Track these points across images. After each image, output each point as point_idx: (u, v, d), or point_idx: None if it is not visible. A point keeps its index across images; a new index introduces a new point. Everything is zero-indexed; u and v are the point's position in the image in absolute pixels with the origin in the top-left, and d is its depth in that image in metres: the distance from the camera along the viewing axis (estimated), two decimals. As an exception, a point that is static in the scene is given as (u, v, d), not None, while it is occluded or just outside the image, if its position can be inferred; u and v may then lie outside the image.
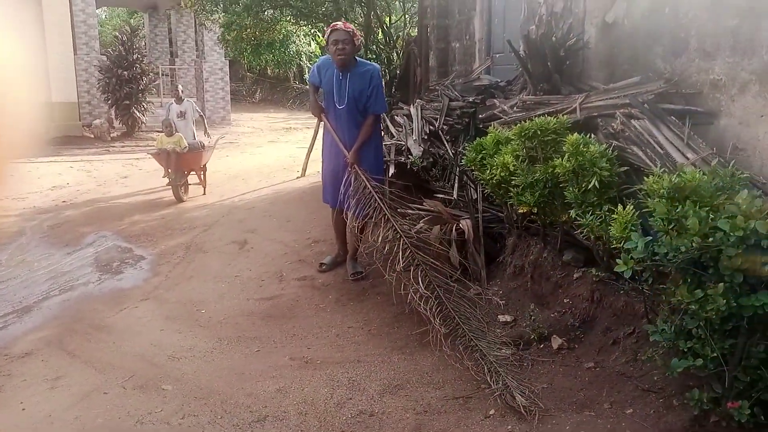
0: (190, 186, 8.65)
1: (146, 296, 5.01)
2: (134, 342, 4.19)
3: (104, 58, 14.97)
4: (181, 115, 9.12)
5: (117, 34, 15.25)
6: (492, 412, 3.20)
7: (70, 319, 4.59)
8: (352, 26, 4.91)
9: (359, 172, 4.82)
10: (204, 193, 8.67)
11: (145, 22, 21.27)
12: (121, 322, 4.52)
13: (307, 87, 21.93)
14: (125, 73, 14.18)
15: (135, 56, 14.45)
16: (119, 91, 14.28)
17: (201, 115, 9.52)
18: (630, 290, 3.68)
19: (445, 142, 5.86)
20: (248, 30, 9.87)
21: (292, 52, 23.85)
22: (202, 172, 8.75)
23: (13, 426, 3.21)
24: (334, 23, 4.93)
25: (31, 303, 4.88)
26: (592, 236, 3.61)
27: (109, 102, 14.63)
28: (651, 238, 2.85)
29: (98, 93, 14.96)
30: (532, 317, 4.06)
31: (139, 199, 8.53)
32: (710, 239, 2.57)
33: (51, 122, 13.96)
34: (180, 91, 9.63)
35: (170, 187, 8.24)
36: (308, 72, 25.51)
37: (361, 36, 5.00)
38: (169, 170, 8.15)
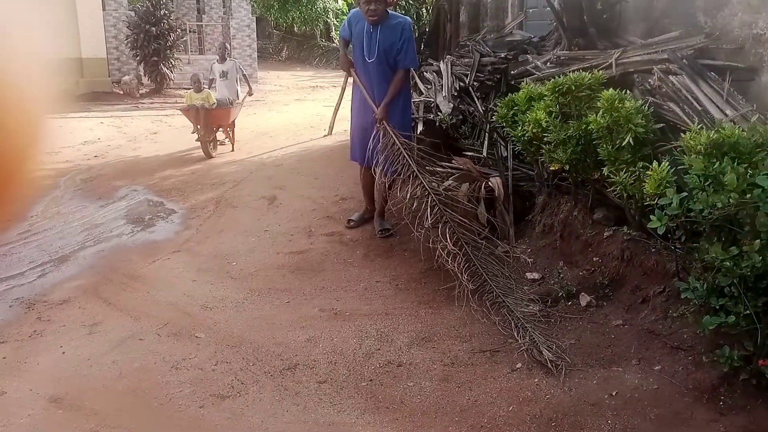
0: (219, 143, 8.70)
1: (178, 248, 5.10)
2: (167, 292, 4.29)
3: (132, 13, 14.96)
4: (224, 75, 8.84)
5: (144, -11, 15.20)
6: (519, 365, 3.23)
7: (105, 268, 4.71)
8: None
9: (388, 128, 4.79)
10: (232, 150, 8.72)
11: (172, -22, 21.13)
12: (155, 273, 4.63)
13: (334, 45, 21.62)
14: (153, 29, 14.16)
15: (162, 12, 14.41)
16: (147, 47, 14.28)
17: (244, 75, 9.27)
18: (661, 249, 3.65)
19: (476, 99, 5.78)
20: (276, -16, 9.72)
21: (319, 9, 23.62)
22: (230, 129, 8.77)
23: (55, 368, 3.34)
24: None
25: (67, 253, 5.00)
26: (625, 194, 3.57)
27: (138, 58, 14.66)
28: (686, 194, 2.81)
29: (127, 49, 14.99)
30: (561, 275, 4.07)
31: (169, 154, 8.61)
32: (748, 196, 2.53)
33: (80, 78, 14.08)
34: (226, 50, 9.09)
35: (199, 143, 8.30)
36: (335, 29, 25.32)
37: None
38: (198, 126, 8.19)
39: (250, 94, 9.26)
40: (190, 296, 4.22)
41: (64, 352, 3.50)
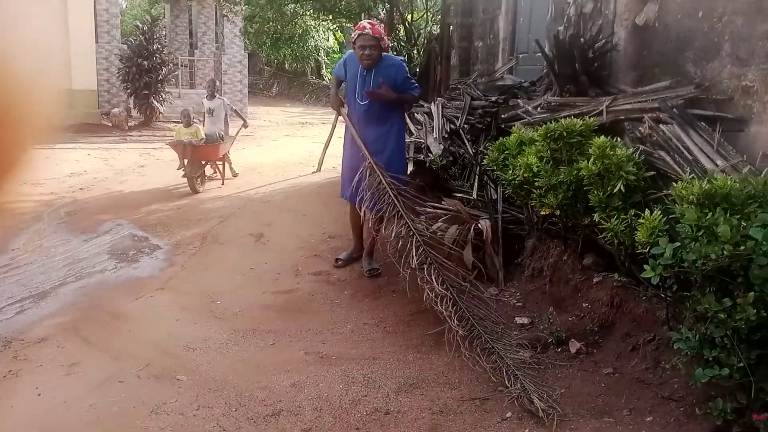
0: (209, 177, 8.67)
1: (162, 286, 5.01)
2: (150, 331, 4.18)
3: (125, 47, 15.03)
4: (210, 112, 8.83)
5: (138, 23, 15.31)
6: (509, 414, 3.16)
7: (87, 306, 4.60)
8: (380, 28, 4.81)
9: (375, 166, 4.76)
10: (222, 184, 8.69)
11: (166, 13, 21.35)
12: (137, 311, 4.52)
13: (324, 82, 21.73)
14: (145, 62, 14.22)
15: (155, 46, 14.49)
16: (139, 80, 14.32)
17: (234, 110, 9.29)
18: (651, 296, 3.63)
19: (466, 142, 5.81)
20: (270, 23, 9.86)
21: (310, 47, 23.94)
22: (221, 164, 8.74)
23: (30, 412, 3.22)
24: (361, 25, 4.82)
25: (48, 289, 4.89)
26: (616, 241, 3.56)
27: (128, 91, 14.68)
28: (678, 244, 2.80)
29: (118, 82, 15.02)
30: (550, 320, 4.02)
31: (156, 188, 8.54)
32: (741, 248, 2.52)
33: (70, 109, 14.03)
34: (215, 88, 9.13)
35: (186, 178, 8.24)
36: (326, 67, 25.62)
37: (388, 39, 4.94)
38: (185, 162, 8.14)
39: (245, 126, 9.31)
40: (172, 336, 4.11)
41: (39, 394, 3.37)
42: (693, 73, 4.04)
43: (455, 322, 3.79)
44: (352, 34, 4.96)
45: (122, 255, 5.77)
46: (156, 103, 14.81)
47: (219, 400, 3.34)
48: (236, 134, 9.21)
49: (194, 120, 8.53)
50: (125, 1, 28.47)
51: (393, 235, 4.44)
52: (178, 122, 9.49)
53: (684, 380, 3.08)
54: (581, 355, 3.69)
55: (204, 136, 8.35)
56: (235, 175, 9.08)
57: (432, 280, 4.05)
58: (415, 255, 4.25)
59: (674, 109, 3.80)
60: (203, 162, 8.45)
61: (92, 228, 6.57)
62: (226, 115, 9.02)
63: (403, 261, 4.28)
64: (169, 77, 15.36)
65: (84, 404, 3.26)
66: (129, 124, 14.85)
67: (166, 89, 15.21)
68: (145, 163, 10.55)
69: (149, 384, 3.50)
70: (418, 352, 3.89)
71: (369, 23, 4.82)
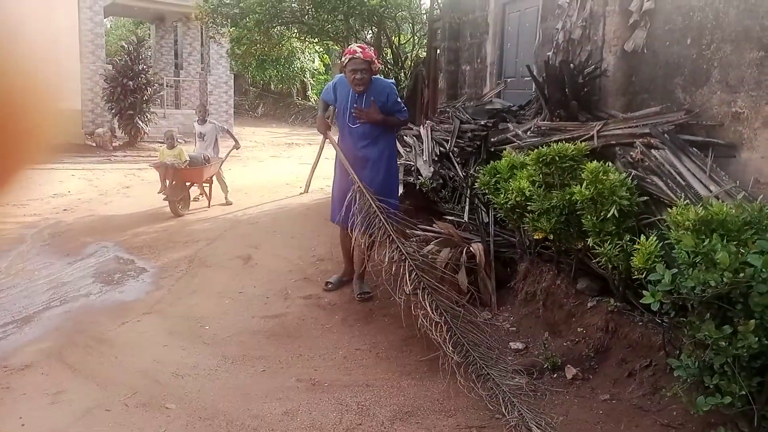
0: (197, 197, 8.57)
1: (149, 310, 4.91)
2: (137, 357, 4.09)
3: (110, 67, 14.97)
4: (201, 136, 8.79)
5: (123, 44, 15.27)
6: (507, 443, 3.11)
7: (71, 331, 4.49)
8: (371, 52, 4.81)
9: (364, 190, 4.73)
10: (209, 206, 8.60)
11: (152, 33, 21.33)
12: (123, 336, 4.42)
13: (310, 103, 21.78)
14: (130, 83, 14.17)
15: (141, 67, 14.46)
16: (123, 100, 14.25)
17: (227, 131, 9.28)
18: (647, 321, 3.62)
19: (456, 165, 5.82)
20: (257, 45, 9.88)
21: (296, 68, 24.04)
22: (207, 185, 8.66)
23: (13, 442, 3.11)
24: (352, 49, 4.82)
25: (32, 313, 4.77)
26: (610, 266, 3.55)
27: (113, 111, 14.60)
28: (676, 270, 2.79)
29: (102, 102, 14.93)
30: (545, 345, 3.99)
31: (141, 210, 8.44)
32: (741, 275, 2.51)
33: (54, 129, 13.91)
34: (206, 112, 9.09)
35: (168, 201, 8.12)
36: (311, 88, 25.70)
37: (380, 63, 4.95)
38: (166, 185, 8.04)
39: (237, 147, 9.26)
40: (160, 362, 4.02)
41: (23, 424, 3.26)
42: (682, 99, 4.08)
43: (450, 347, 3.75)
44: (343, 58, 4.95)
45: (108, 278, 5.66)
46: (141, 123, 14.73)
47: (209, 429, 3.26)
48: (226, 155, 9.14)
49: (178, 141, 8.47)
50: (110, 21, 28.40)
51: (386, 259, 4.39)
52: (162, 143, 9.41)
53: (683, 407, 3.05)
54: (577, 381, 3.66)
55: (188, 158, 8.27)
56: (228, 203, 8.93)
57: (426, 306, 4.01)
58: (409, 280, 4.21)
59: (665, 135, 3.83)
60: (187, 184, 8.36)
61: (77, 250, 6.45)
62: (216, 137, 8.97)
63: (397, 286, 4.24)
64: (154, 97, 15.31)
65: (70, 435, 3.16)
66: (113, 144, 14.74)
67: (151, 109, 15.15)
68: (130, 184, 10.45)
69: (137, 413, 3.40)
70: (413, 379, 3.83)
71: (359, 47, 4.82)
